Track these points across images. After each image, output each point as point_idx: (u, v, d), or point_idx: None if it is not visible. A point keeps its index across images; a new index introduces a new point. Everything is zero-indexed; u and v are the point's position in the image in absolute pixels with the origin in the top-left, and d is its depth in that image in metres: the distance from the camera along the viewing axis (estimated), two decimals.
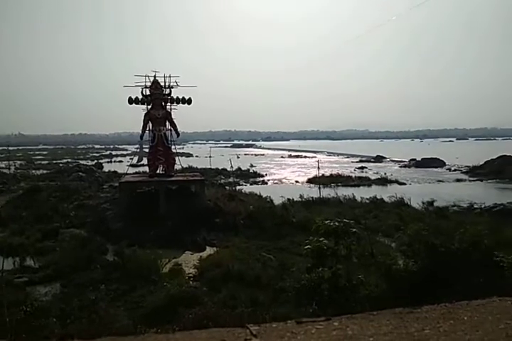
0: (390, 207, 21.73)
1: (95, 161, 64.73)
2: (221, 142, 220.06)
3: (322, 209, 19.86)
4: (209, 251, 13.72)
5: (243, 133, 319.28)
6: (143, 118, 19.82)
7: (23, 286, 10.45)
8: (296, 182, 40.49)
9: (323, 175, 38.79)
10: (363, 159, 73.35)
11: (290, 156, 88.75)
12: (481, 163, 48.44)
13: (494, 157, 47.89)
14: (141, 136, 20.42)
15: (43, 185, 26.36)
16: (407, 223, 13.23)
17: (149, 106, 19.86)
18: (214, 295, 9.19)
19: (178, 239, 14.51)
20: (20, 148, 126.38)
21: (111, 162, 70.09)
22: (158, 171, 19.95)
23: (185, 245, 14.34)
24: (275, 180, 42.66)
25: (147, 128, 19.85)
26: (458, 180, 41.24)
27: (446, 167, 55.84)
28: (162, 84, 19.81)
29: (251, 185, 37.48)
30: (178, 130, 20.37)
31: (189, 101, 20.51)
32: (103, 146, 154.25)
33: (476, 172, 45.91)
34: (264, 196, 23.86)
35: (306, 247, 7.61)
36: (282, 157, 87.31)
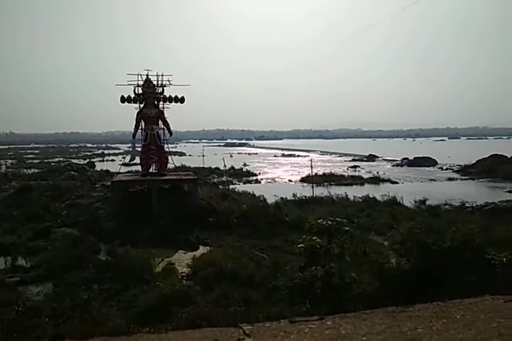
0: (382, 206, 21.83)
1: (87, 160, 64.35)
2: (214, 141, 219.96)
3: (315, 208, 19.90)
4: (202, 250, 13.69)
5: (236, 132, 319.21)
6: (135, 117, 19.73)
7: (14, 286, 10.37)
8: (289, 181, 40.54)
9: (316, 174, 38.87)
10: (356, 158, 73.67)
11: (283, 155, 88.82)
12: (473, 162, 48.82)
13: (486, 156, 48.27)
14: (134, 135, 20.34)
15: (34, 184, 26.17)
16: (400, 222, 13.32)
17: (142, 105, 19.78)
18: (207, 295, 9.18)
19: (171, 238, 14.47)
20: (11, 146, 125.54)
21: (103, 161, 69.69)
22: (150, 170, 19.88)
23: (179, 244, 14.30)
24: (268, 179, 42.68)
25: (140, 127, 19.77)
26: (450, 179, 41.53)
27: (438, 166, 56.20)
28: (155, 82, 19.74)
29: (244, 184, 37.46)
30: (171, 129, 20.32)
31: (182, 100, 20.44)
32: (95, 145, 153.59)
33: (467, 171, 46.26)
34: (257, 195, 23.89)
35: (299, 246, 7.62)
36: (275, 156, 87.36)
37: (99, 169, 45.60)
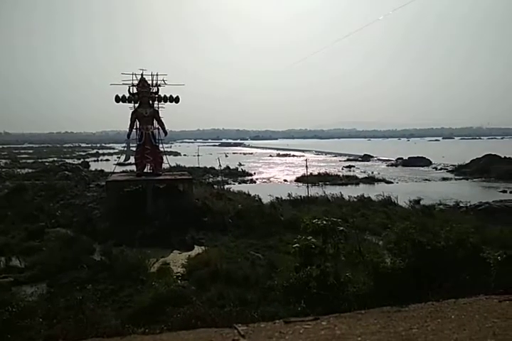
0: (377, 206, 21.91)
1: (82, 160, 64.07)
2: (209, 141, 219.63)
3: (310, 208, 19.91)
4: (197, 250, 13.65)
5: (231, 132, 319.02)
6: (130, 116, 19.66)
7: (8, 286, 10.30)
8: (285, 181, 40.57)
9: (311, 173, 38.87)
10: (351, 158, 73.87)
11: (278, 155, 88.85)
12: (467, 161, 49.05)
13: (479, 156, 48.51)
14: (129, 135, 20.25)
15: (28, 184, 26.05)
16: (394, 221, 13.38)
17: (137, 105, 19.71)
18: (202, 295, 9.15)
19: (166, 238, 14.43)
20: (5, 146, 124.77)
21: (98, 161, 69.43)
22: (145, 170, 19.82)
23: (173, 244, 14.26)
24: (263, 178, 42.70)
25: (134, 127, 19.70)
26: (444, 179, 41.71)
27: (433, 166, 56.44)
28: (149, 82, 19.67)
29: (239, 183, 37.45)
30: (166, 128, 20.27)
31: (177, 100, 20.39)
32: (90, 145, 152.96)
33: (461, 171, 46.48)
34: (252, 195, 23.89)
35: (295, 246, 7.62)
36: (270, 156, 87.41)
37: (93, 169, 45.43)
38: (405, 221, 10.14)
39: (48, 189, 23.69)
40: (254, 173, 46.60)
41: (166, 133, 20.40)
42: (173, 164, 27.81)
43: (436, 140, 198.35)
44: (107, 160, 69.21)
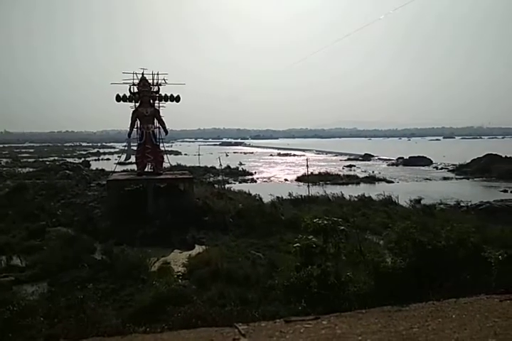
0: (378, 205, 21.91)
1: (82, 159, 64.08)
2: (210, 140, 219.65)
3: (311, 208, 19.92)
4: (198, 249, 13.66)
5: (232, 131, 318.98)
6: (131, 115, 19.67)
7: (9, 285, 10.32)
8: (285, 180, 40.57)
9: (311, 173, 38.85)
10: (351, 157, 73.84)
11: (279, 154, 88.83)
12: (468, 161, 49.02)
13: (480, 155, 48.47)
14: (129, 134, 20.26)
15: (29, 183, 26.06)
16: (395, 221, 13.36)
17: (137, 104, 19.72)
18: (203, 294, 9.16)
19: (167, 238, 14.45)
20: (6, 145, 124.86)
21: (98, 160, 69.51)
22: (146, 169, 19.82)
23: (174, 243, 14.27)
24: (264, 178, 42.70)
25: (135, 126, 19.71)
26: (445, 178, 41.70)
27: (433, 165, 56.41)
28: (150, 81, 19.68)
29: (240, 183, 37.45)
30: (167, 128, 20.27)
31: (177, 99, 20.40)
32: (90, 144, 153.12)
33: (462, 171, 46.44)
34: (253, 194, 23.89)
35: (295, 245, 7.62)
36: (271, 155, 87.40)
37: (94, 168, 45.42)
38: (406, 220, 10.13)
39: (49, 188, 23.71)
40: (255, 173, 46.60)
41: (166, 132, 20.40)
42: (173, 163, 27.80)
43: (437, 139, 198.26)
44: (108, 159, 69.20)
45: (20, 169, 46.20)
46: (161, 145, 20.26)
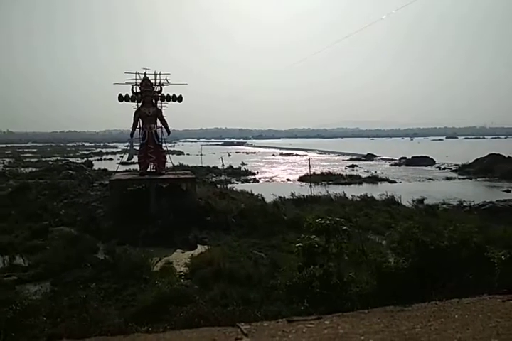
0: (380, 205, 21.89)
1: (85, 159, 64.13)
2: (212, 140, 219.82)
3: (313, 207, 19.92)
4: (200, 249, 13.68)
5: (234, 131, 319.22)
6: (133, 115, 19.71)
7: (12, 285, 10.36)
8: (288, 180, 40.55)
9: (314, 173, 38.87)
10: (354, 157, 73.78)
11: (281, 154, 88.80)
12: (471, 161, 48.90)
13: (483, 155, 48.34)
14: (132, 134, 20.31)
15: (32, 183, 26.14)
16: (398, 221, 13.34)
17: (140, 104, 19.75)
18: (205, 294, 9.18)
19: (169, 238, 14.47)
20: (8, 145, 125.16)
21: (101, 160, 69.57)
22: (148, 169, 19.85)
23: (177, 243, 14.29)
24: (266, 178, 42.69)
25: (138, 126, 19.75)
26: (447, 178, 41.59)
27: (436, 165, 56.27)
28: (152, 81, 19.71)
29: (242, 183, 37.45)
30: (169, 128, 20.30)
31: (180, 99, 20.42)
32: (93, 144, 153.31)
33: (465, 171, 46.32)
34: (255, 194, 23.89)
35: (297, 245, 7.62)
36: (273, 155, 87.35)
37: (97, 168, 45.52)
38: (409, 220, 10.12)
39: (52, 188, 23.77)
40: (257, 172, 46.59)
41: (169, 132, 20.43)
42: (176, 163, 27.80)
43: (439, 139, 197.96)
44: (111, 159, 69.34)
45: (23, 169, 46.29)
46: (164, 145, 20.29)
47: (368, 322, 3.51)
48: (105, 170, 40.40)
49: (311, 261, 7.47)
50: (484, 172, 43.11)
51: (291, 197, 23.36)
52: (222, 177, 35.28)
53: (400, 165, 58.88)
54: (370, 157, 72.34)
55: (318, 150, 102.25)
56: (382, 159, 69.86)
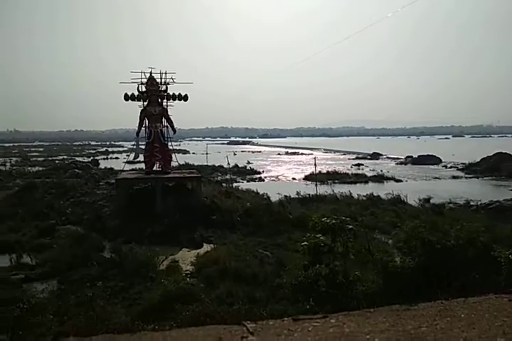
0: (386, 204, 21.80)
1: (91, 158, 64.43)
2: (218, 139, 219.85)
3: (319, 206, 19.89)
4: (206, 248, 13.70)
5: (240, 130, 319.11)
6: (139, 114, 19.75)
7: (19, 283, 10.41)
8: (293, 179, 40.51)
9: (319, 172, 38.80)
10: (360, 156, 73.53)
11: (287, 153, 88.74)
12: (477, 160, 48.61)
13: (490, 154, 48.03)
14: (138, 133, 20.34)
15: (38, 182, 26.24)
16: (404, 220, 13.30)
17: (145, 103, 19.78)
18: (211, 292, 9.18)
19: (175, 236, 14.49)
20: (15, 144, 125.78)
21: (107, 159, 69.83)
22: (154, 168, 19.89)
23: (182, 242, 14.31)
24: (272, 177, 42.68)
25: (143, 125, 19.78)
26: (454, 177, 41.36)
27: (443, 164, 56.00)
28: (158, 80, 19.73)
29: (248, 182, 37.47)
30: (175, 127, 20.32)
31: (185, 98, 20.44)
32: (99, 143, 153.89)
33: (472, 170, 46.06)
34: (260, 193, 23.87)
35: (303, 244, 7.63)
36: (279, 154, 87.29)
37: (103, 167, 45.67)
38: (415, 220, 10.10)
39: (58, 187, 23.87)
40: (263, 171, 46.60)
41: (174, 131, 20.45)
42: (181, 162, 27.87)
43: (446, 138, 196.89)
44: (117, 158, 69.64)
45: (29, 168, 46.56)
46: (169, 144, 20.31)
47: (374, 321, 3.50)
48: (111, 169, 40.52)
49: (317, 259, 7.48)
50: (491, 171, 42.85)
51: (296, 196, 23.34)
52: (227, 176, 35.33)
53: (406, 163, 58.65)
54: (375, 156, 72.11)
55: (324, 149, 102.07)
56: (388, 158, 69.63)
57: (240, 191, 24.37)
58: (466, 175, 42.95)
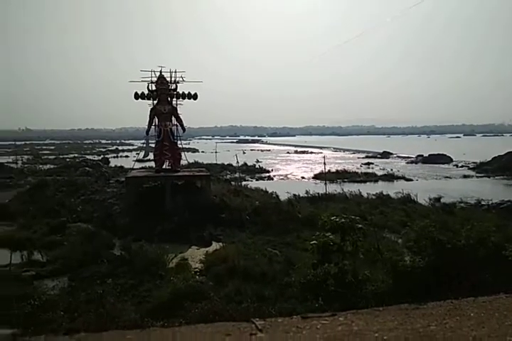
0: (396, 203, 21.69)
1: (102, 156, 64.89)
2: (227, 137, 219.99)
3: (328, 205, 19.84)
4: (215, 246, 13.74)
5: (249, 129, 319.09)
6: (149, 113, 19.85)
7: (30, 280, 10.52)
8: (302, 177, 40.43)
9: (329, 170, 38.67)
10: (369, 155, 73.13)
11: (296, 152, 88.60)
12: (489, 159, 48.13)
13: (502, 153, 47.53)
14: (147, 131, 20.45)
15: (50, 180, 26.47)
16: (414, 219, 13.23)
17: (155, 102, 19.88)
18: (220, 290, 9.21)
19: (185, 234, 14.55)
20: (27, 142, 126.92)
21: (117, 157, 70.32)
22: (164, 166, 19.99)
23: (192, 240, 14.37)
24: (281, 175, 42.64)
25: (153, 124, 19.88)
26: (465, 177, 40.99)
27: (454, 163, 55.53)
28: (168, 79, 19.81)
29: (257, 180, 37.49)
30: (184, 125, 20.38)
31: (195, 97, 20.51)
32: (109, 141, 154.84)
33: (483, 169, 45.59)
34: (269, 192, 23.86)
35: (312, 243, 7.61)
36: (288, 153, 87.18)
37: (113, 165, 45.97)
38: (425, 219, 10.02)
39: (69, 185, 24.06)
40: (272, 170, 46.56)
41: (184, 129, 20.52)
42: (191, 160, 27.92)
43: (457, 137, 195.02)
44: (127, 156, 70.04)
45: (41, 166, 47.00)
46: (179, 142, 20.39)
47: (383, 320, 3.49)
48: (121, 167, 40.77)
49: (326, 258, 7.46)
50: (503, 171, 42.39)
51: (305, 195, 23.30)
52: (236, 175, 35.34)
53: (416, 162, 58.25)
54: (385, 154, 71.70)
55: (333, 148, 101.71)
56: (398, 157, 69.20)
57: (248, 190, 24.39)
58: (477, 175, 42.55)
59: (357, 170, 43.52)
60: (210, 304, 7.41)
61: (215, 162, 47.09)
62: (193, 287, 9.05)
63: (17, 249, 13.09)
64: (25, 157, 64.02)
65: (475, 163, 49.89)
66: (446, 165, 53.65)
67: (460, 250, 7.26)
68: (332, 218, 7.70)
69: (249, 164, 48.07)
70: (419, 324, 3.49)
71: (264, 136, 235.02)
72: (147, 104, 20.16)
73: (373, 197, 23.40)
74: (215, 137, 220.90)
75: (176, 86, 19.98)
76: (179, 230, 14.80)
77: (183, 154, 20.87)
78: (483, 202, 21.70)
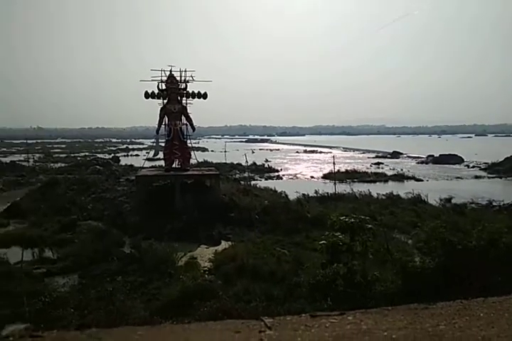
0: (406, 204, 21.59)
1: (112, 155, 65.38)
2: (236, 137, 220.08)
3: (337, 205, 19.80)
4: (224, 245, 13.79)
5: (258, 128, 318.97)
6: (159, 112, 19.96)
7: (41, 277, 10.66)
8: (312, 177, 40.37)
9: (338, 170, 38.51)
10: (380, 155, 72.75)
11: (305, 151, 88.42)
12: (500, 159, 47.63)
13: None
14: (157, 131, 20.57)
15: (61, 178, 26.75)
16: (424, 220, 13.16)
17: (165, 101, 19.97)
18: (229, 289, 9.25)
19: (194, 233, 14.63)
20: (38, 141, 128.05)
21: (127, 156, 70.80)
22: (174, 165, 20.08)
23: (201, 239, 14.44)
24: (290, 175, 42.59)
25: (163, 123, 19.99)
26: (476, 177, 40.61)
27: (465, 163, 55.04)
28: (178, 78, 19.90)
29: (266, 180, 37.50)
30: (194, 124, 20.47)
31: (205, 96, 20.57)
32: (120, 140, 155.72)
33: (494, 169, 45.14)
34: (279, 191, 23.88)
35: (321, 242, 7.60)
36: (297, 152, 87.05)
37: (123, 164, 46.30)
38: (435, 220, 9.99)
39: (80, 183, 24.28)
40: (281, 169, 46.51)
41: (194, 129, 20.61)
42: (200, 160, 28.11)
43: (468, 137, 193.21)
44: (137, 155, 70.43)
45: (52, 164, 47.44)
46: (189, 141, 20.49)
47: (392, 319, 3.49)
48: (131, 165, 41.03)
49: (335, 258, 7.44)
50: None
51: (314, 195, 23.27)
52: (245, 174, 35.39)
53: (427, 163, 57.84)
54: (396, 154, 71.26)
55: (343, 148, 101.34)
56: (408, 157, 68.76)
57: (258, 189, 24.42)
58: (489, 175, 42.16)
59: (367, 170, 43.34)
60: (218, 303, 7.44)
61: (224, 161, 47.15)
62: (202, 285, 9.10)
63: (28, 246, 13.23)
64: (37, 155, 64.59)
65: (486, 164, 49.41)
66: (457, 166, 53.21)
67: (471, 251, 7.21)
68: (341, 218, 7.68)
69: (258, 163, 48.08)
70: (428, 323, 3.48)
71: (274, 136, 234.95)
72: (157, 103, 20.31)
73: (383, 197, 23.30)
74: (225, 136, 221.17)
75: (186, 85, 20.07)
76: (188, 229, 14.88)
77: (192, 153, 20.95)
78: (494, 203, 21.53)
